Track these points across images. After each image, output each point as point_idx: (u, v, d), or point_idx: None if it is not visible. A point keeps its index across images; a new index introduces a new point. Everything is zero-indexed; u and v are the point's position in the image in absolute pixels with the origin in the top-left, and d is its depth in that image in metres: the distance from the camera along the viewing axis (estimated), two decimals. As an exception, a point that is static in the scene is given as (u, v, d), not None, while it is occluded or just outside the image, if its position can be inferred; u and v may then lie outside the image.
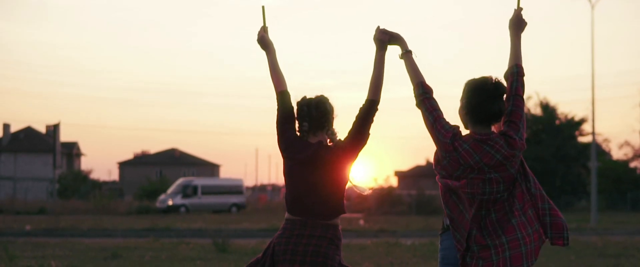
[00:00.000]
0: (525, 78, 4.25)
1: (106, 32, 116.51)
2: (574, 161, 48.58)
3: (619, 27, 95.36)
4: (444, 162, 4.03)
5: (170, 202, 43.45)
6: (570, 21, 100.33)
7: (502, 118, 4.11)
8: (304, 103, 4.45)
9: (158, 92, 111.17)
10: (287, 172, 4.43)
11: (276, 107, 4.52)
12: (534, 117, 49.77)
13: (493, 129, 4.10)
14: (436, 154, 4.12)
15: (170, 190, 46.02)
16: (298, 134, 4.46)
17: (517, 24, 4.38)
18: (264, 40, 4.67)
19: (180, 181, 47.75)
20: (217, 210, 43.63)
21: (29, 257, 13.53)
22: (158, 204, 43.91)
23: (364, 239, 20.71)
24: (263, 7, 4.75)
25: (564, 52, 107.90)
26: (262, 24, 4.72)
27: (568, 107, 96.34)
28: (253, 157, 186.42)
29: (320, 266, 4.24)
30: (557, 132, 48.67)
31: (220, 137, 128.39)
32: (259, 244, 17.13)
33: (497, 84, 4.07)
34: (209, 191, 45.22)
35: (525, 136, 4.10)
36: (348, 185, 4.52)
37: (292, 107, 4.49)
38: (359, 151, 4.39)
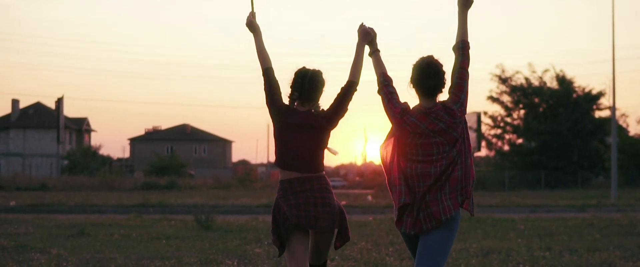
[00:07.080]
0: (471, 51, 4.79)
1: (119, 7, 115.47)
2: (591, 136, 46.92)
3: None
4: (397, 133, 4.67)
5: None
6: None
7: (447, 89, 4.70)
8: (300, 75, 5.07)
9: (170, 67, 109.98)
10: (278, 135, 5.06)
11: (263, 82, 5.17)
12: (550, 90, 48.06)
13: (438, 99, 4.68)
14: (389, 132, 4.79)
15: None
16: (286, 102, 5.10)
17: (465, 2, 4.79)
18: (252, 25, 5.34)
19: None
20: None
21: (-14, 235, 12.12)
22: None
23: (368, 215, 19.39)
24: None
25: (582, 24, 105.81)
26: (250, 10, 5.35)
27: (584, 80, 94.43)
28: (265, 133, 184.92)
29: (329, 215, 4.95)
30: (574, 106, 46.94)
31: (232, 112, 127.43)
32: (249, 222, 15.65)
33: (429, 63, 4.61)
34: None
35: (466, 104, 4.68)
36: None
37: (277, 81, 5.18)
38: (338, 121, 5.10)
